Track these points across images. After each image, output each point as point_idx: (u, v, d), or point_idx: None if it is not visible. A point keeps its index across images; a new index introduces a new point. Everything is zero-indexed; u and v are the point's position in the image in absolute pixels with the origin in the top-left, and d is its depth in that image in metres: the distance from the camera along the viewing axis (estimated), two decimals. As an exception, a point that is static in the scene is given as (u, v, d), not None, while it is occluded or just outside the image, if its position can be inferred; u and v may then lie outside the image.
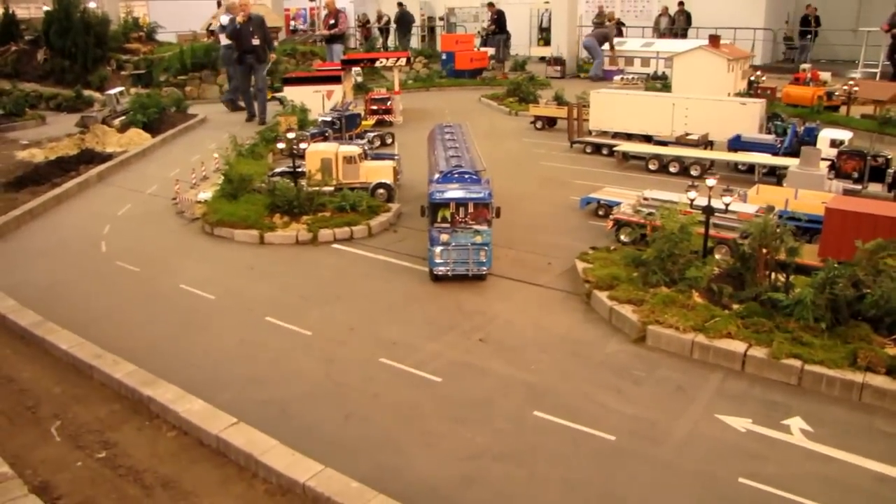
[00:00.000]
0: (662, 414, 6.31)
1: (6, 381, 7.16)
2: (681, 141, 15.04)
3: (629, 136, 16.15)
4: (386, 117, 19.23)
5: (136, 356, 7.24)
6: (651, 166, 14.17)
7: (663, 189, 11.25)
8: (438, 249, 8.83)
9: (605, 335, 7.72)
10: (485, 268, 8.96)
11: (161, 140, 17.96)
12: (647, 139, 15.79)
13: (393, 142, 17.01)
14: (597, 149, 15.86)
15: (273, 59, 19.54)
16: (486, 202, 8.82)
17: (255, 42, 19.75)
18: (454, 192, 8.84)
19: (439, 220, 8.84)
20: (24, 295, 8.86)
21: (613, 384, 6.78)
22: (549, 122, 18.80)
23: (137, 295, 9.06)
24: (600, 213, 11.37)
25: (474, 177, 9.16)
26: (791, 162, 12.12)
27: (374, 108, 19.26)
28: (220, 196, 11.89)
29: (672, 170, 13.93)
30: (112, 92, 19.87)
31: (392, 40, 33.35)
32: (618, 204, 10.76)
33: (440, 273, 8.95)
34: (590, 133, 16.75)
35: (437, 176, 9.19)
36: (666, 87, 20.61)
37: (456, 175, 9.12)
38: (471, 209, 8.82)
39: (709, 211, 8.31)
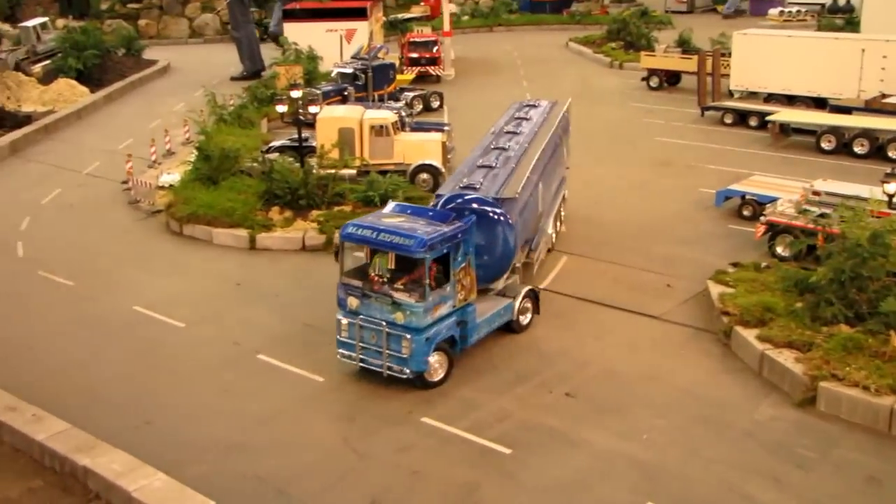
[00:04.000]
0: (844, 516, 6.18)
1: None
2: (873, 106, 14.80)
3: (790, 100, 15.98)
4: (431, 69, 19.36)
5: (68, 409, 7.29)
6: (825, 145, 14.06)
7: (843, 179, 11.09)
8: (345, 321, 7.94)
9: (752, 393, 7.59)
10: (408, 370, 7.69)
11: (104, 96, 18.36)
12: (820, 104, 15.65)
13: (441, 105, 17.13)
14: (741, 118, 15.77)
15: None
16: (418, 256, 7.50)
17: None
18: (376, 229, 7.79)
19: (370, 270, 7.86)
20: None
21: (768, 468, 6.63)
22: (670, 79, 18.77)
23: (71, 319, 9.21)
24: (745, 212, 11.33)
25: (460, 211, 8.29)
26: None
27: (415, 55, 19.38)
28: (194, 179, 12.08)
29: (858, 150, 13.77)
30: (30, 24, 20.21)
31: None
32: (772, 200, 10.65)
33: (344, 358, 8.01)
34: (730, 95, 16.67)
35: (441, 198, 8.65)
36: (852, 25, 20.34)
37: (454, 200, 8.51)
38: (392, 264, 7.71)
39: (916, 212, 8.19)
